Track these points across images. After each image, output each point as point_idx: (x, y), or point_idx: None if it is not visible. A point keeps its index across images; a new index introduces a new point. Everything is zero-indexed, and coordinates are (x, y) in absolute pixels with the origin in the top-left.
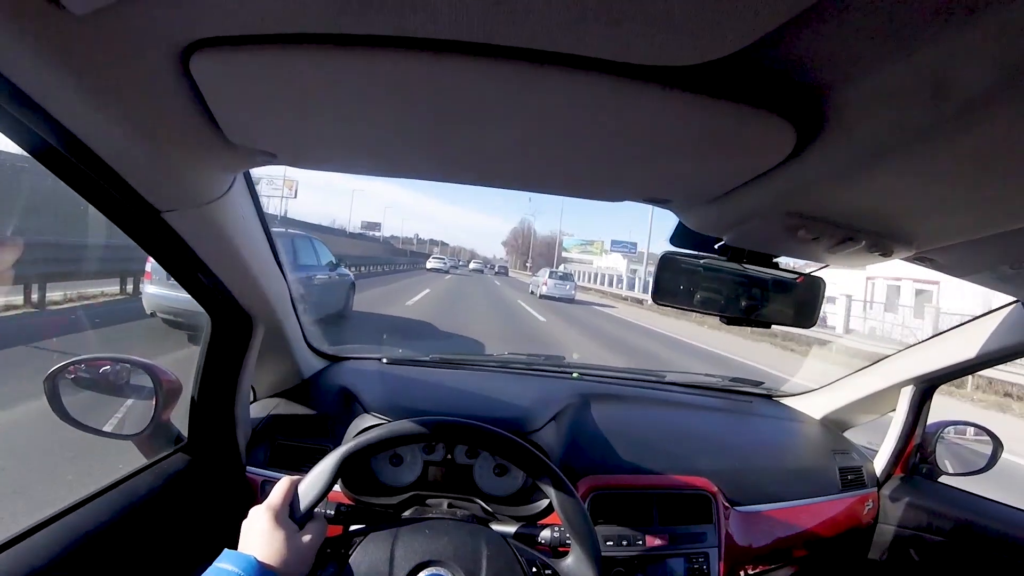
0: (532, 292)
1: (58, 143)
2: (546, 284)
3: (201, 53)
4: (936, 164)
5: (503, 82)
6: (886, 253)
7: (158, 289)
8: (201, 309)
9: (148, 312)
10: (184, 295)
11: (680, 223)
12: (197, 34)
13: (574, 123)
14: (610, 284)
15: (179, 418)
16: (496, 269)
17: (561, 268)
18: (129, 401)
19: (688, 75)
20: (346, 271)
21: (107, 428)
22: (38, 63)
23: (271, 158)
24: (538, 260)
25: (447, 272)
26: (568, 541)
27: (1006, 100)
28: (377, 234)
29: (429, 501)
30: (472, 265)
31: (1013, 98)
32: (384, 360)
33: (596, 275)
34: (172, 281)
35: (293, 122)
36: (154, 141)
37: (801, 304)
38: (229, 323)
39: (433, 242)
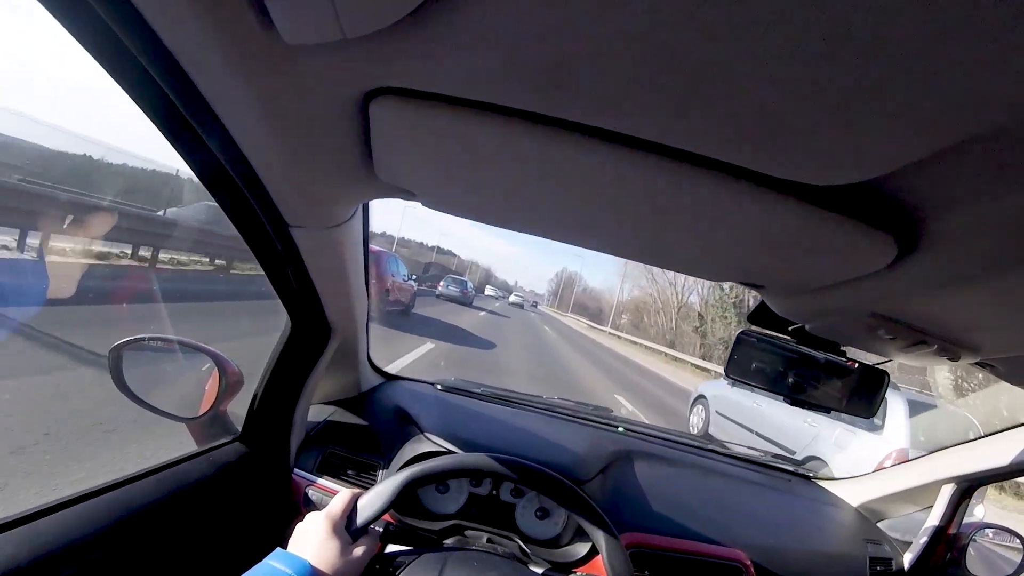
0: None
1: (218, 148)
2: None
3: (382, 98)
4: (1017, 290)
5: (637, 169)
6: (953, 358)
7: (442, 289)
8: (455, 291)
9: (436, 295)
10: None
11: (763, 302)
12: (382, 82)
13: (692, 212)
14: None
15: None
16: (531, 302)
17: None
18: (189, 384)
19: (806, 187)
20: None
21: (164, 408)
22: (232, 74)
23: (410, 196)
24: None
25: (497, 299)
26: None
27: None
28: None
29: (468, 532)
30: (512, 298)
31: None
32: (438, 387)
33: None
34: (448, 287)
35: (439, 171)
36: (310, 163)
37: (864, 394)
38: (310, 330)
39: (441, 251)
